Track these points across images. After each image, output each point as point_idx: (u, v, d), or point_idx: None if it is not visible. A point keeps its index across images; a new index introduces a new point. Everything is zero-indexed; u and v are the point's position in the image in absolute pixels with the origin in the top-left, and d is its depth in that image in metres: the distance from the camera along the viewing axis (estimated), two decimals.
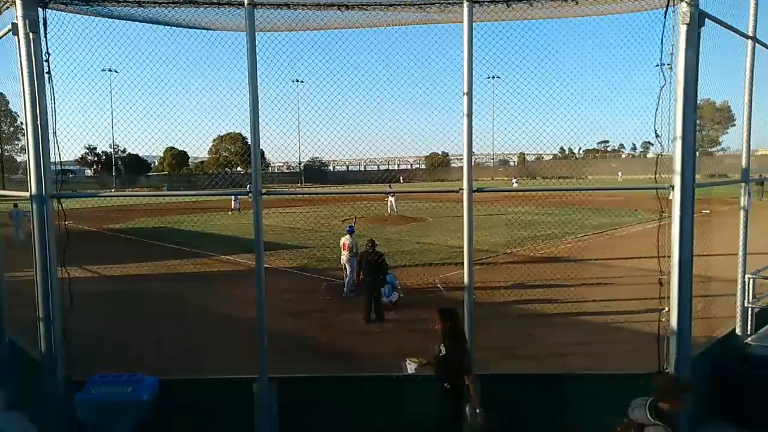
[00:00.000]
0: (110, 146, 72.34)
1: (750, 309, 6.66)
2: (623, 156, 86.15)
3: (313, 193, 44.32)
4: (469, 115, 5.09)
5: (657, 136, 5.15)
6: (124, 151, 74.54)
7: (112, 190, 59.40)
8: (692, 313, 5.28)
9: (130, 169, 77.97)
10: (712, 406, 5.98)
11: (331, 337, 9.53)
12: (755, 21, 6.23)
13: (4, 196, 7.15)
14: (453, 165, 59.99)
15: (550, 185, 45.97)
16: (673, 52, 5.00)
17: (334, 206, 28.55)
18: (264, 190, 5.36)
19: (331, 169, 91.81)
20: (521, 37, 5.66)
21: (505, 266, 14.99)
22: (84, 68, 6.08)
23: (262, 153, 6.53)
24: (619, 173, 66.99)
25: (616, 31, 5.77)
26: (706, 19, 5.02)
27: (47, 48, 5.08)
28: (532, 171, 66.86)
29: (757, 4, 6.23)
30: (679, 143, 5.01)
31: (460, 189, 5.30)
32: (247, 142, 6.36)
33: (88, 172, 79.75)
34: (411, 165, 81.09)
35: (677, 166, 5.06)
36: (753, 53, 6.30)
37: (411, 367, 5.00)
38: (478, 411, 4.68)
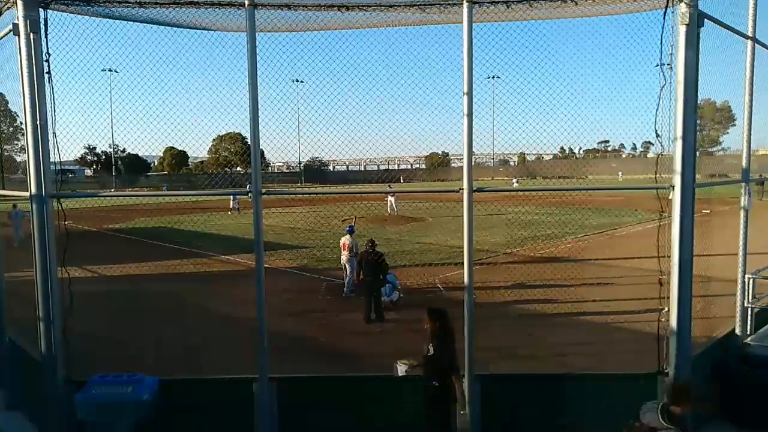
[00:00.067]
0: (110, 146, 72.48)
1: (750, 309, 6.66)
2: (623, 156, 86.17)
3: (313, 193, 44.33)
4: (469, 115, 5.09)
5: (657, 136, 5.15)
6: (123, 151, 74.64)
7: (112, 190, 59.41)
8: (692, 313, 5.28)
9: (129, 169, 78.00)
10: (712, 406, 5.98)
11: (331, 337, 9.54)
12: (755, 21, 6.24)
13: (4, 196, 7.15)
14: (453, 165, 59.99)
15: (550, 185, 46.00)
16: (672, 52, 5.00)
17: (334, 206, 28.55)
18: (264, 190, 5.36)
19: (331, 169, 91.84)
20: (521, 38, 5.67)
21: (505, 266, 14.99)
22: (84, 68, 6.09)
23: (262, 153, 6.53)
24: (620, 173, 66.99)
25: (616, 31, 5.77)
26: (706, 20, 5.02)
27: (47, 48, 5.08)
28: (532, 171, 66.88)
29: (756, 5, 6.23)
30: (679, 143, 5.01)
31: (460, 189, 5.30)
32: (246, 142, 6.37)
33: (88, 172, 79.78)
34: (411, 165, 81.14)
35: (677, 165, 5.06)
36: (753, 53, 6.30)
37: (402, 368, 5.00)
38: (461, 413, 4.67)
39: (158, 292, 12.59)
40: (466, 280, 5.38)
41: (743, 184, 6.56)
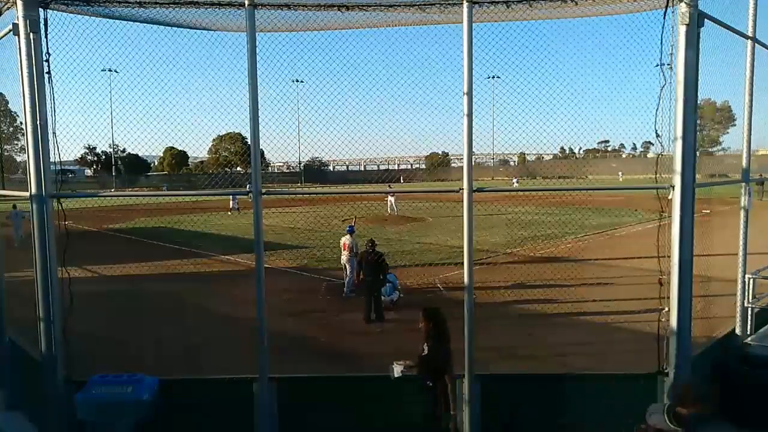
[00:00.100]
0: (110, 146, 72.47)
1: (750, 309, 6.66)
2: (623, 156, 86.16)
3: (313, 193, 44.33)
4: (469, 115, 5.09)
5: (657, 135, 5.15)
6: (123, 150, 74.66)
7: (112, 190, 59.41)
8: (692, 313, 5.28)
9: (129, 169, 78.01)
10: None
11: (331, 337, 9.54)
12: (755, 21, 6.24)
13: (4, 196, 7.15)
14: (453, 165, 59.97)
15: (550, 185, 45.99)
16: (672, 52, 5.00)
17: (334, 206, 28.56)
18: (264, 190, 5.36)
19: (331, 169, 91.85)
20: (521, 38, 5.67)
21: (505, 266, 14.99)
22: (84, 68, 6.09)
23: (262, 153, 6.53)
24: (620, 173, 67.00)
25: (616, 31, 5.77)
26: (706, 20, 5.02)
27: (47, 48, 5.08)
28: (532, 171, 66.85)
29: (756, 5, 6.23)
30: (679, 143, 5.01)
31: (460, 189, 5.30)
32: (246, 142, 6.37)
33: (88, 172, 79.79)
34: (411, 165, 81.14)
35: (677, 165, 5.06)
36: (753, 53, 6.30)
37: (398, 369, 5.01)
38: (451, 413, 4.66)
39: (158, 292, 12.59)
40: (466, 280, 5.38)
41: (743, 184, 6.56)
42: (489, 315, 9.51)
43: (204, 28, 5.77)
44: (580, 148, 68.55)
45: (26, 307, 5.67)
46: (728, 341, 6.60)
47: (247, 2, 4.97)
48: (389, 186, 28.66)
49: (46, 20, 5.07)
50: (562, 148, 63.43)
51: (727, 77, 6.46)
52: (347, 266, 12.21)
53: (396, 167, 75.52)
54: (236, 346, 7.39)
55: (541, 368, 7.16)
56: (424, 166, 74.84)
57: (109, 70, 17.98)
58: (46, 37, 5.07)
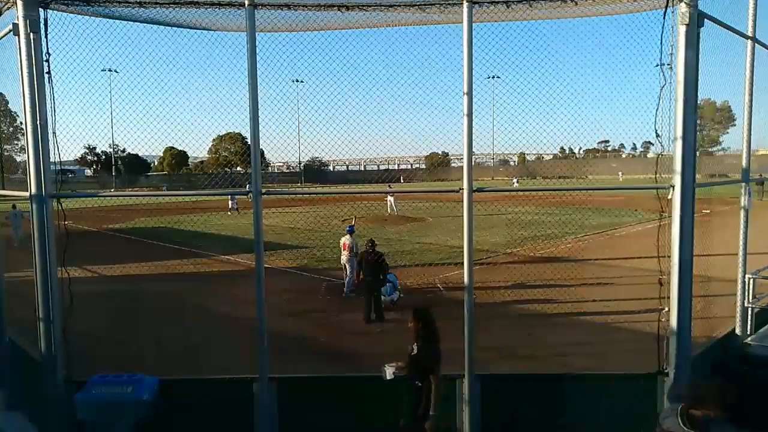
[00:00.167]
0: (110, 146, 72.49)
1: (750, 309, 6.66)
2: (623, 156, 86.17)
3: (313, 193, 44.33)
4: (469, 115, 5.09)
5: (657, 135, 5.15)
6: (123, 150, 74.67)
7: (112, 190, 59.41)
8: (692, 313, 5.28)
9: (129, 168, 78.01)
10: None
11: (331, 337, 9.54)
12: (754, 21, 6.24)
13: (4, 196, 7.15)
14: (453, 165, 59.98)
15: (550, 185, 45.99)
16: (672, 52, 5.00)
17: (334, 206, 28.55)
18: (264, 190, 5.36)
19: (331, 169, 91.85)
20: (521, 38, 5.66)
21: (505, 266, 14.99)
22: (84, 68, 6.08)
23: (262, 153, 6.53)
24: (620, 173, 67.01)
25: (616, 31, 5.77)
26: (706, 20, 5.02)
27: (47, 48, 5.08)
28: (532, 171, 66.87)
29: (756, 5, 6.23)
30: (679, 143, 5.01)
31: (460, 189, 5.30)
32: (246, 142, 6.37)
33: (88, 172, 79.78)
34: (411, 165, 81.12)
35: (677, 165, 5.05)
36: (753, 53, 6.30)
37: (389, 371, 5.02)
38: (431, 414, 4.64)
39: (158, 292, 12.59)
40: (466, 280, 5.38)
41: (743, 184, 6.55)
42: (489, 315, 9.52)
43: (204, 28, 5.77)
44: (580, 148, 68.66)
45: (26, 307, 5.67)
46: (728, 341, 6.60)
47: (247, 2, 4.97)
48: (389, 186, 28.65)
49: (46, 20, 5.07)
50: (562, 148, 63.48)
51: (727, 77, 6.46)
52: (347, 266, 12.21)
53: (396, 167, 75.50)
54: (236, 346, 7.39)
55: (541, 368, 7.15)
56: (424, 166, 74.86)
57: (109, 70, 17.98)
58: (46, 37, 5.07)
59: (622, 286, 12.08)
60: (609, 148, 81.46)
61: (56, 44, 5.17)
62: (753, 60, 6.31)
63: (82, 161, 78.44)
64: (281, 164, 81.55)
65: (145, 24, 5.64)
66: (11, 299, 6.59)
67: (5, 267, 6.76)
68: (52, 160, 5.20)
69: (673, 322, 5.20)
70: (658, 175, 5.26)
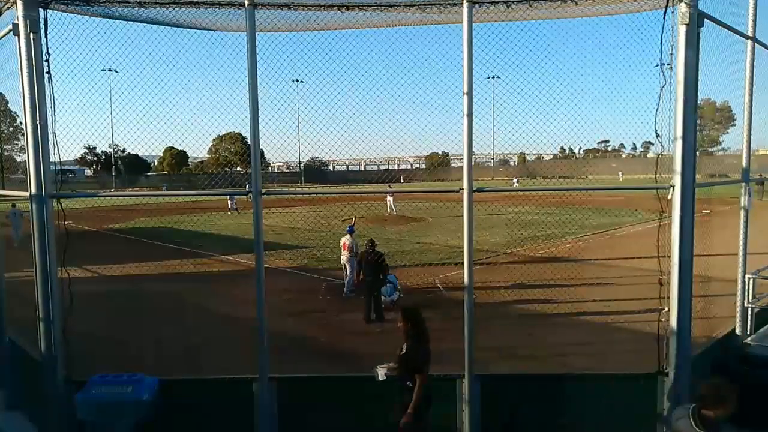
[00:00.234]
0: (110, 146, 72.50)
1: (750, 309, 6.66)
2: (623, 156, 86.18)
3: (313, 193, 44.35)
4: (469, 115, 5.09)
5: (657, 135, 5.15)
6: (123, 150, 74.67)
7: (112, 190, 59.42)
8: (692, 313, 5.28)
9: (129, 168, 78.02)
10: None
11: (331, 337, 9.54)
12: (754, 21, 6.24)
13: (4, 196, 7.15)
14: (453, 165, 59.96)
15: (550, 185, 46.00)
16: (672, 52, 5.00)
17: (334, 206, 28.55)
18: (264, 190, 5.36)
19: (331, 169, 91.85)
20: (521, 38, 5.66)
21: (505, 266, 14.99)
22: (84, 68, 6.08)
23: (262, 153, 6.52)
24: (620, 173, 67.03)
25: (616, 31, 5.77)
26: (706, 20, 5.02)
27: (47, 48, 5.08)
28: (532, 171, 66.86)
29: (756, 5, 6.23)
30: (679, 143, 5.01)
31: (460, 189, 5.30)
32: (246, 142, 6.37)
33: (88, 172, 79.79)
34: (411, 165, 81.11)
35: (677, 165, 5.05)
36: (753, 53, 6.30)
37: (381, 372, 5.01)
38: (408, 411, 4.61)
39: (158, 292, 12.59)
40: (466, 280, 5.38)
41: (743, 184, 6.55)
42: (489, 315, 9.52)
43: (204, 28, 5.77)
44: (580, 148, 68.66)
45: (26, 307, 5.67)
46: (728, 341, 6.60)
47: (247, 2, 4.97)
48: (389, 186, 28.66)
49: (46, 20, 5.07)
50: (562, 148, 63.46)
51: (727, 77, 6.45)
52: (347, 266, 12.21)
53: (396, 167, 75.48)
54: (236, 346, 7.39)
55: (541, 368, 7.15)
56: (424, 166, 74.84)
57: (109, 70, 17.95)
58: (46, 37, 5.07)
59: (622, 286, 12.08)
60: (609, 148, 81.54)
61: (56, 44, 5.17)
62: (753, 60, 6.31)
63: (82, 161, 78.46)
64: (281, 164, 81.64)
65: (145, 24, 5.64)
66: (11, 299, 6.59)
67: (5, 267, 6.76)
68: (52, 160, 5.20)
69: (673, 322, 5.20)
70: (658, 175, 5.26)
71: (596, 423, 5.32)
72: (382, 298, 10.64)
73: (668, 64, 5.02)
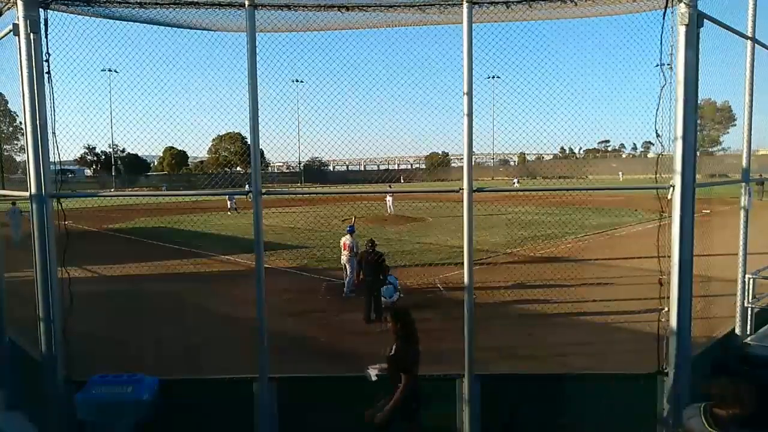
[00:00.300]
0: (110, 146, 72.48)
1: (750, 309, 6.66)
2: (623, 156, 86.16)
3: (313, 193, 44.35)
4: (469, 115, 5.09)
5: (657, 135, 5.15)
6: (123, 150, 74.65)
7: (112, 190, 59.40)
8: (692, 313, 5.28)
9: (129, 168, 78.01)
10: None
11: (331, 337, 9.54)
12: (754, 21, 6.24)
13: (4, 195, 7.14)
14: (453, 165, 59.95)
15: (550, 185, 46.00)
16: (672, 52, 5.00)
17: (334, 206, 28.55)
18: (264, 190, 5.36)
19: (331, 169, 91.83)
20: (521, 38, 5.66)
21: (505, 266, 15.00)
22: (84, 68, 6.08)
23: (262, 153, 6.53)
24: (620, 173, 67.03)
25: (616, 31, 5.77)
26: (705, 20, 5.02)
27: (47, 48, 5.08)
28: (532, 171, 66.83)
29: (756, 5, 6.23)
30: (679, 143, 5.01)
31: (460, 189, 5.29)
32: (246, 142, 6.37)
33: (88, 171, 79.78)
34: (411, 165, 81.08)
35: (677, 165, 5.06)
36: (753, 53, 6.30)
37: (373, 373, 5.02)
38: (385, 408, 4.59)
39: (158, 292, 12.59)
40: (466, 280, 5.38)
41: (743, 184, 6.56)
42: (489, 315, 9.52)
43: (204, 29, 5.77)
44: (580, 148, 68.60)
45: (26, 307, 5.68)
46: (728, 341, 6.60)
47: (247, 2, 4.97)
48: (389, 186, 28.66)
49: (46, 20, 5.07)
50: (562, 148, 63.42)
51: (727, 77, 6.45)
52: (347, 266, 12.21)
53: (396, 167, 75.46)
54: (236, 346, 7.39)
55: (541, 368, 7.16)
56: (424, 166, 74.82)
57: (109, 70, 18.00)
58: (46, 37, 5.07)
59: (622, 286, 12.08)
60: (609, 148, 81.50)
61: (56, 44, 5.17)
62: (753, 60, 6.32)
63: (81, 161, 78.44)
64: (281, 164, 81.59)
65: (145, 24, 5.64)
66: (11, 299, 6.59)
67: (5, 267, 6.76)
68: (51, 160, 5.20)
69: (673, 322, 5.20)
70: (658, 175, 5.26)
71: (596, 423, 5.32)
72: (383, 299, 10.64)
73: (668, 64, 5.02)
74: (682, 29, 4.91)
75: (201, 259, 17.62)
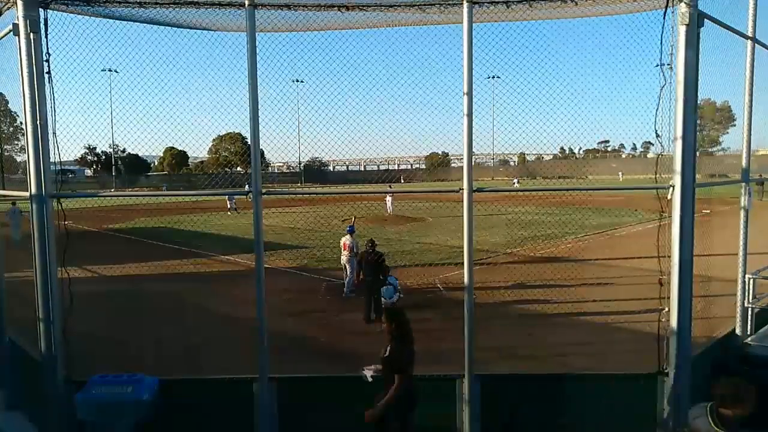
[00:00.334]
0: (110, 146, 72.49)
1: (750, 309, 6.66)
2: (623, 156, 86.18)
3: (313, 193, 44.34)
4: (469, 115, 5.09)
5: (657, 136, 5.15)
6: (123, 151, 74.67)
7: (112, 190, 59.42)
8: (692, 313, 5.28)
9: (129, 169, 78.04)
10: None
11: (331, 337, 9.54)
12: (754, 21, 6.24)
13: (4, 196, 7.15)
14: (453, 165, 59.95)
15: (550, 185, 46.01)
16: (672, 52, 5.00)
17: (334, 206, 28.56)
18: (264, 190, 5.36)
19: (331, 169, 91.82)
20: (521, 38, 5.66)
21: (505, 266, 15.00)
22: (84, 68, 6.07)
23: (262, 153, 6.52)
24: (620, 173, 67.04)
25: (616, 31, 5.77)
26: (706, 20, 5.02)
27: (47, 48, 5.07)
28: (532, 171, 66.84)
29: (756, 5, 6.23)
30: (679, 143, 5.01)
31: (460, 189, 5.29)
32: (246, 142, 6.36)
33: (88, 172, 79.80)
34: (411, 165, 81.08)
35: (677, 165, 5.06)
36: (753, 53, 6.30)
37: (368, 374, 5.02)
38: (377, 404, 4.60)
39: (158, 292, 12.59)
40: (466, 280, 5.38)
41: (743, 184, 6.56)
42: (489, 315, 9.52)
43: (204, 28, 5.76)
44: (580, 148, 68.69)
45: (26, 307, 5.67)
46: (728, 341, 6.60)
47: (247, 2, 4.97)
48: (390, 186, 28.67)
49: (46, 20, 5.07)
50: (562, 148, 63.48)
51: (727, 77, 6.45)
52: (347, 266, 12.21)
53: (396, 167, 75.46)
54: (236, 346, 7.39)
55: (541, 368, 7.15)
56: (424, 166, 74.83)
57: (109, 70, 17.94)
58: (46, 37, 5.07)
59: (622, 286, 12.08)
60: (609, 149, 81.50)
61: (56, 44, 5.17)
62: (753, 60, 6.32)
63: (82, 161, 78.43)
64: (281, 164, 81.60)
65: (145, 24, 5.64)
66: (11, 299, 6.59)
67: (5, 267, 6.76)
68: (52, 160, 5.20)
69: (673, 322, 5.20)
70: (658, 175, 5.26)
71: (596, 423, 5.32)
72: (382, 300, 10.63)
73: (668, 64, 5.02)
74: (682, 29, 4.91)
75: (201, 259, 17.61)
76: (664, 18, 5.04)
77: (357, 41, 6.37)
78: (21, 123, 5.27)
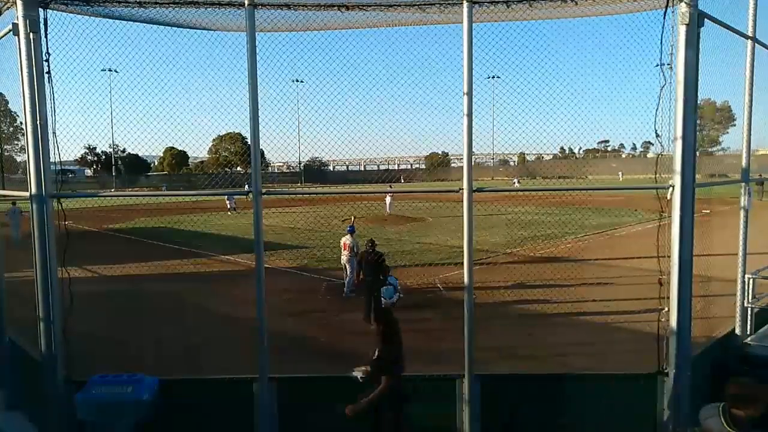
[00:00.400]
0: (110, 146, 72.51)
1: (750, 309, 6.66)
2: (623, 156, 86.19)
3: (313, 193, 44.36)
4: (469, 115, 5.09)
5: (657, 135, 5.15)
6: (123, 151, 74.70)
7: (112, 190, 59.42)
8: (692, 313, 5.28)
9: (129, 169, 78.06)
10: None
11: (331, 337, 9.54)
12: (755, 21, 6.24)
13: (4, 196, 7.15)
14: (453, 165, 59.89)
15: (550, 185, 46.02)
16: (672, 52, 5.00)
17: (334, 206, 28.57)
18: (264, 190, 5.36)
19: (331, 169, 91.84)
20: (521, 38, 5.66)
21: (505, 266, 15.00)
22: (84, 68, 6.07)
23: (262, 153, 6.52)
24: (620, 173, 67.04)
25: (616, 31, 5.77)
26: (706, 20, 5.02)
27: (47, 48, 5.07)
28: (532, 171, 66.85)
29: (756, 5, 6.23)
30: (679, 143, 5.01)
31: (460, 189, 5.29)
32: (246, 142, 6.36)
33: (88, 172, 79.81)
34: (411, 165, 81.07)
35: (677, 165, 5.06)
36: (753, 53, 6.30)
37: (358, 374, 5.03)
38: (361, 401, 4.59)
39: (158, 292, 12.59)
40: (466, 280, 5.38)
41: (743, 184, 6.56)
42: (489, 315, 9.52)
43: (204, 28, 5.76)
44: (580, 148, 68.64)
45: (26, 307, 5.67)
46: (728, 341, 6.60)
47: (247, 2, 4.97)
48: (389, 186, 28.67)
49: (46, 20, 5.07)
50: (562, 148, 63.44)
51: (727, 77, 6.45)
52: (347, 266, 12.21)
53: (396, 167, 75.44)
54: (236, 346, 7.39)
55: (541, 368, 7.15)
56: (424, 166, 74.82)
57: (109, 70, 17.94)
58: (46, 37, 5.07)
59: (622, 286, 12.08)
60: (609, 148, 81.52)
61: (56, 44, 5.17)
62: (753, 60, 6.31)
63: (82, 161, 78.45)
64: (281, 164, 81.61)
65: (145, 24, 5.64)
66: (11, 299, 6.59)
67: (5, 267, 6.76)
68: (52, 160, 5.20)
69: (673, 322, 5.20)
70: (658, 175, 5.26)
71: (596, 423, 5.32)
72: (382, 300, 10.63)
73: (668, 64, 5.02)
74: (682, 29, 4.91)
75: (201, 259, 17.62)
76: (664, 18, 5.04)
77: (357, 41, 6.37)
78: (21, 123, 5.27)
